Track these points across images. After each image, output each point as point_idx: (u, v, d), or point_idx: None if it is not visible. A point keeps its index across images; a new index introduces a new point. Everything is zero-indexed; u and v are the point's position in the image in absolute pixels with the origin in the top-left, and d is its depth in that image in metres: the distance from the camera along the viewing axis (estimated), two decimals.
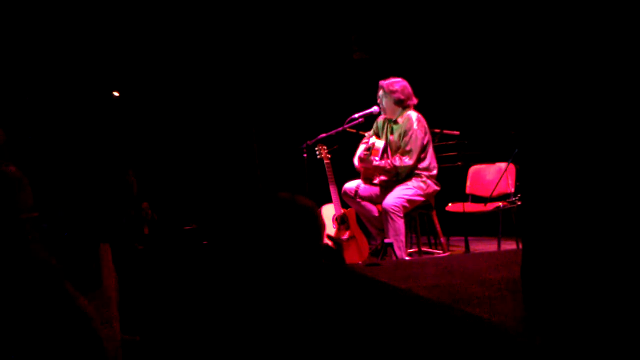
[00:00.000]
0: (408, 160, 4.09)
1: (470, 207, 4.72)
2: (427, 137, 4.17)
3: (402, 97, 4.18)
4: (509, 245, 4.51)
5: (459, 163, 5.04)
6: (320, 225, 1.42)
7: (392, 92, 4.18)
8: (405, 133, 4.13)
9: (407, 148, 4.10)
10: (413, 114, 4.18)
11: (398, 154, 4.16)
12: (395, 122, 4.24)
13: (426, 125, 4.19)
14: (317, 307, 1.49)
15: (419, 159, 4.12)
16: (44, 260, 1.49)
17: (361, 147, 4.43)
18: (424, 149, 4.14)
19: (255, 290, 1.32)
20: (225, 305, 1.32)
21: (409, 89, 4.22)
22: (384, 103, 4.24)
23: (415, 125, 4.11)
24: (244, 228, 1.37)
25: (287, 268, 1.34)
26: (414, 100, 4.23)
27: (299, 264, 1.35)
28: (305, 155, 4.65)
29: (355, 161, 4.38)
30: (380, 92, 4.24)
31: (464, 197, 4.94)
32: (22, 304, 1.47)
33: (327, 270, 2.01)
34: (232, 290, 1.34)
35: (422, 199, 4.13)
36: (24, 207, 1.58)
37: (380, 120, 4.43)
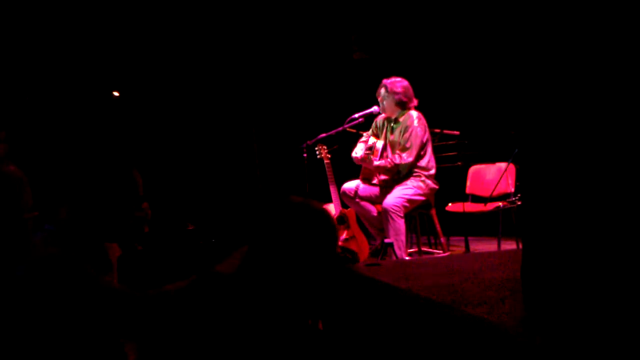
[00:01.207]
0: (407, 157, 4.09)
1: (470, 207, 4.72)
2: (427, 136, 4.18)
3: (404, 99, 4.19)
4: (509, 245, 4.51)
5: (459, 163, 5.04)
6: (336, 230, 1.41)
7: (395, 93, 4.18)
8: (405, 130, 4.14)
9: (407, 145, 4.12)
10: (414, 113, 4.20)
11: (398, 151, 4.16)
12: (396, 121, 4.25)
13: (426, 124, 4.20)
14: (325, 310, 1.49)
15: (419, 156, 4.13)
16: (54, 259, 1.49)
17: (359, 146, 4.43)
18: (423, 146, 4.14)
19: (266, 293, 1.32)
20: (231, 309, 1.31)
21: (411, 90, 4.24)
22: (385, 102, 4.24)
23: (415, 123, 4.13)
24: (258, 231, 1.36)
25: (302, 272, 1.33)
26: (415, 102, 4.25)
27: (314, 269, 1.34)
28: (305, 155, 4.65)
29: (353, 155, 4.37)
30: (382, 91, 4.24)
31: (464, 197, 4.94)
32: (25, 304, 1.47)
33: (341, 275, 2.01)
34: (239, 295, 1.33)
35: (422, 198, 4.14)
36: (26, 207, 1.58)
37: (379, 119, 4.43)
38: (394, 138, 4.24)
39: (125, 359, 1.56)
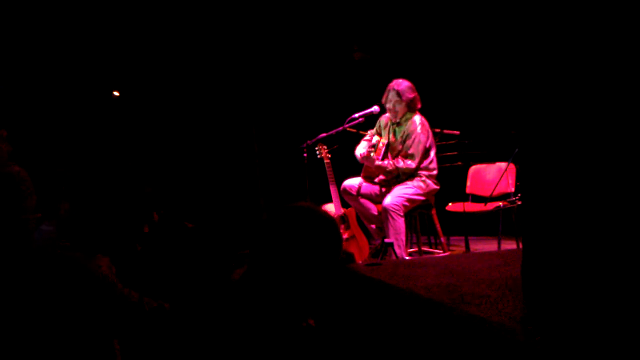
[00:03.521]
0: (410, 163, 4.10)
1: (470, 206, 4.72)
2: (430, 141, 4.18)
3: (415, 102, 4.20)
4: (509, 245, 4.51)
5: (459, 163, 5.05)
6: (340, 237, 1.41)
7: (408, 97, 4.17)
8: (408, 136, 4.14)
9: (410, 152, 4.11)
10: (417, 118, 4.19)
11: (401, 156, 4.17)
12: (399, 124, 4.25)
13: (429, 129, 4.20)
14: (327, 312, 1.48)
15: (422, 162, 4.14)
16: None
17: (362, 144, 4.43)
18: (426, 152, 4.14)
19: (268, 298, 1.31)
20: (234, 313, 1.31)
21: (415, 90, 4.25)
22: (396, 107, 4.21)
23: (418, 129, 4.12)
24: (262, 236, 1.35)
25: (306, 278, 1.33)
26: (419, 105, 4.26)
27: (318, 274, 1.34)
28: (305, 155, 4.65)
29: (357, 153, 4.36)
30: (391, 95, 4.21)
31: (464, 197, 4.94)
32: (25, 302, 1.48)
33: (339, 277, 2.01)
34: (242, 299, 1.33)
35: (422, 198, 4.14)
36: (27, 208, 1.58)
37: (382, 119, 4.43)
38: (394, 140, 4.25)
39: (114, 358, 1.57)
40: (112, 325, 1.52)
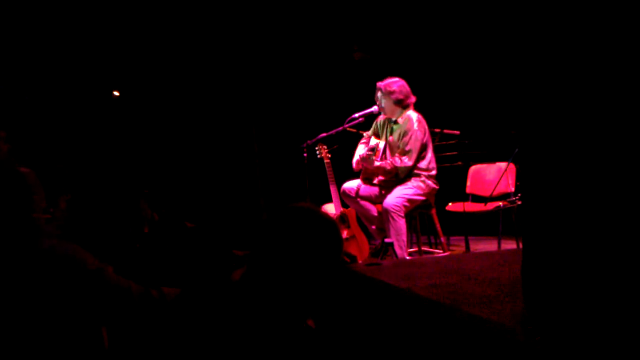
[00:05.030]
0: (407, 161, 4.10)
1: (470, 206, 4.72)
2: (427, 138, 4.18)
3: (400, 96, 4.20)
4: (509, 245, 4.51)
5: (459, 163, 5.05)
6: (341, 238, 1.40)
7: (391, 92, 4.19)
8: (405, 133, 4.14)
9: (407, 148, 4.11)
10: (413, 115, 4.18)
11: (398, 154, 4.17)
12: (396, 122, 4.25)
13: (426, 126, 4.20)
14: (327, 313, 1.48)
15: (419, 159, 4.13)
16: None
17: (360, 147, 4.44)
18: (423, 149, 4.14)
19: (268, 298, 1.31)
20: (233, 313, 1.31)
21: (406, 87, 4.23)
22: (383, 104, 4.26)
23: (415, 126, 4.12)
24: (263, 238, 1.35)
25: (306, 280, 1.32)
26: (413, 99, 4.24)
27: (318, 276, 1.34)
28: (305, 155, 4.65)
29: (354, 163, 4.37)
30: (379, 94, 4.26)
31: (464, 197, 4.94)
32: (32, 299, 1.49)
33: (339, 278, 2.01)
34: (242, 299, 1.33)
35: (422, 198, 4.14)
36: (37, 207, 1.60)
37: (379, 120, 4.44)
38: (393, 139, 4.25)
39: (102, 343, 1.58)
40: (102, 312, 1.54)
